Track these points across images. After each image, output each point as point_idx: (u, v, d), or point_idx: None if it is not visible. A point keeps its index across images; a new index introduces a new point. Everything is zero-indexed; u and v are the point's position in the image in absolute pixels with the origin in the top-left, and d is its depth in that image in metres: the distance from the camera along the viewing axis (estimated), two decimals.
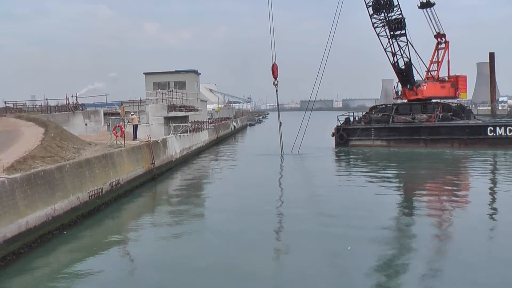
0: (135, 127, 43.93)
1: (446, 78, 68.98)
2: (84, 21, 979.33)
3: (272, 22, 55.20)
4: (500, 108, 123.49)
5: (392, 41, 63.09)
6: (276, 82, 57.54)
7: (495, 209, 28.59)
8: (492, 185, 36.39)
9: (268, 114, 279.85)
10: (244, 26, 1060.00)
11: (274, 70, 56.90)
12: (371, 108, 73.26)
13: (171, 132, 50.88)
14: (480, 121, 64.11)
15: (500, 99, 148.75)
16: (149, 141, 40.04)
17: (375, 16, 62.83)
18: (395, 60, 64.11)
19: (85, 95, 67.85)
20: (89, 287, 16.79)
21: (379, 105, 77.19)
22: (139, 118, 48.66)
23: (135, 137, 42.83)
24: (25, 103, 64.87)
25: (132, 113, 47.27)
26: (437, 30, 67.47)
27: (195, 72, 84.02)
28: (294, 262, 18.97)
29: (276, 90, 59.07)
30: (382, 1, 62.16)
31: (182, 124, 54.51)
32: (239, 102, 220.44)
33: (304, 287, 16.39)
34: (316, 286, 16.38)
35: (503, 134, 56.72)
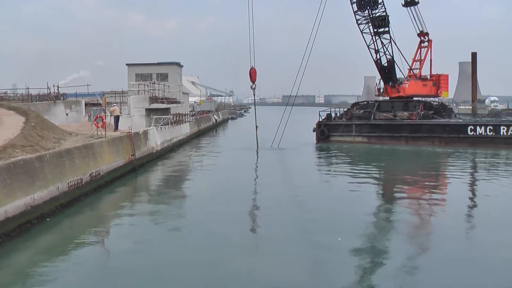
0: (117, 118, 43.75)
1: (428, 77, 69.31)
2: (69, 10, 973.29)
3: (252, 27, 55.34)
4: (494, 107, 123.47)
5: (375, 38, 63.39)
6: (254, 86, 57.92)
7: (472, 204, 29.06)
8: (470, 183, 36.74)
9: (250, 108, 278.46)
10: (229, 19, 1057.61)
11: (252, 74, 57.07)
12: (353, 105, 73.66)
13: (152, 124, 50.70)
14: (461, 120, 64.66)
15: (492, 98, 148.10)
16: (130, 132, 39.89)
17: (359, 13, 63.09)
18: (378, 57, 64.43)
19: (69, 84, 67.61)
20: (67, 277, 16.70)
21: (361, 102, 77.47)
22: (120, 109, 48.46)
23: (116, 128, 42.67)
24: (6, 92, 64.53)
25: (114, 104, 47.09)
26: (421, 29, 67.73)
27: (178, 64, 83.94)
28: (281, 256, 18.98)
29: (254, 94, 59.68)
30: None
31: (164, 116, 54.35)
32: (221, 96, 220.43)
33: (294, 280, 16.41)
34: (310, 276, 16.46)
35: (483, 133, 57.08)
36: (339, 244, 19.80)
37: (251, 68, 56.96)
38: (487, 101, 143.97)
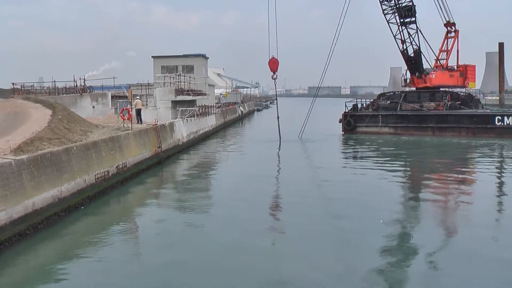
0: (138, 112, 43.67)
1: (455, 67, 68.67)
2: (94, 4, 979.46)
3: (275, 19, 55.17)
4: None
5: (402, 28, 62.81)
6: (274, 76, 57.68)
7: (500, 201, 28.38)
8: (498, 176, 36.14)
9: (276, 99, 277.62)
10: (253, 11, 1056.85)
11: (271, 64, 56.92)
12: (379, 95, 73.05)
13: (178, 116, 50.81)
14: (488, 111, 63.91)
15: None
16: (156, 124, 40.02)
17: (385, 2, 62.49)
18: (405, 47, 63.86)
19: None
20: (94, 269, 16.84)
21: (387, 93, 76.91)
22: (146, 102, 48.57)
23: (138, 121, 42.65)
24: (33, 85, 64.91)
25: (137, 97, 47.20)
26: (447, 19, 67.04)
27: (204, 56, 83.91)
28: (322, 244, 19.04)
29: (275, 84, 59.51)
30: None
31: (190, 108, 54.42)
32: (247, 87, 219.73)
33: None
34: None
35: (511, 124, 56.48)
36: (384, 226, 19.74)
37: (270, 59, 56.90)
38: None
